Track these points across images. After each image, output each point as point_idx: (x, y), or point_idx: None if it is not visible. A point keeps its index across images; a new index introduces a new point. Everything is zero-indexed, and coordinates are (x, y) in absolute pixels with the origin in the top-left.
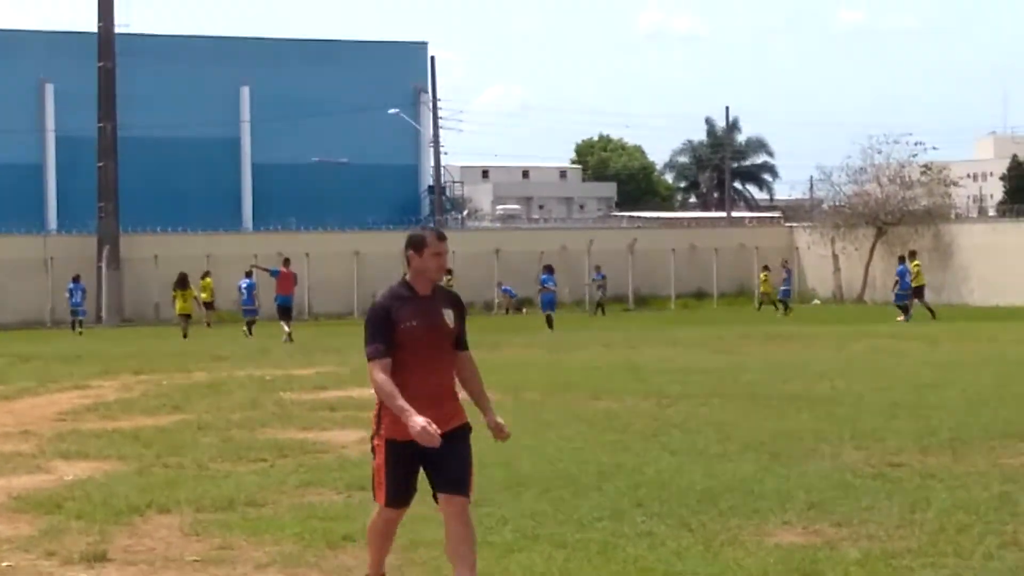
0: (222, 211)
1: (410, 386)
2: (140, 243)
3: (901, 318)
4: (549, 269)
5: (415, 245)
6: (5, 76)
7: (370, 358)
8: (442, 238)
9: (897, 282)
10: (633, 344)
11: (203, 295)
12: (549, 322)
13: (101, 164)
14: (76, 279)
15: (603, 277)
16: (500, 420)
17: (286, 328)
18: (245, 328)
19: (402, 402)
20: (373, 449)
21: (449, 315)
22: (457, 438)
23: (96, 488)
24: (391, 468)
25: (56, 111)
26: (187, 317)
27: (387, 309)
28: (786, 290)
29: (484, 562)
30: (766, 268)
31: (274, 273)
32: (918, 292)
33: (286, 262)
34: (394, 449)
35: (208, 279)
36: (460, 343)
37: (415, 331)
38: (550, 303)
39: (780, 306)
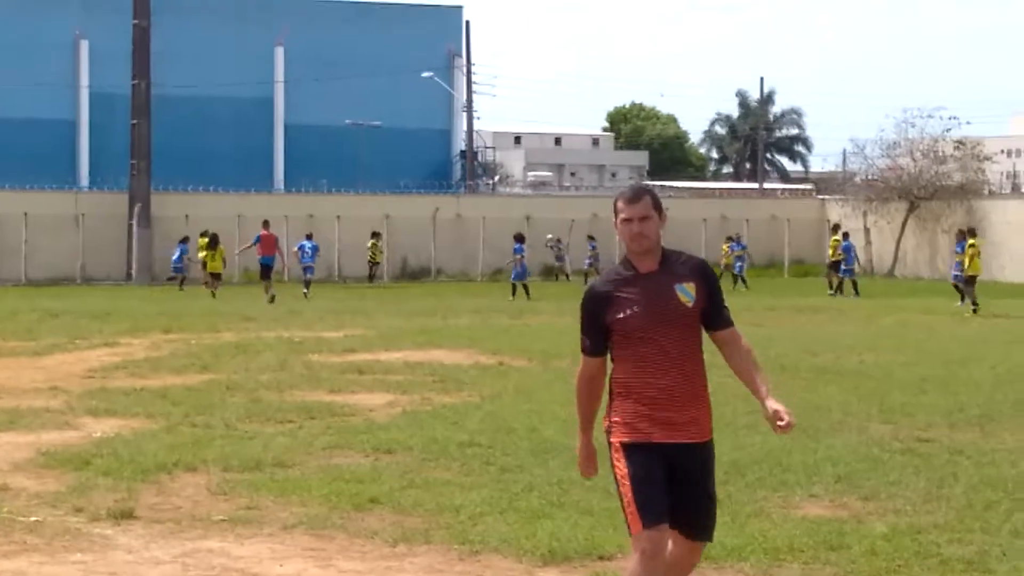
0: (254, 171)
1: (636, 387)
2: (171, 202)
3: (830, 292)
4: (520, 238)
5: (613, 210)
6: (41, 31)
7: (582, 352)
8: (635, 199)
9: (843, 258)
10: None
11: (200, 254)
12: (513, 290)
13: (134, 122)
14: (184, 240)
15: (594, 248)
16: (779, 407)
17: (270, 290)
18: (305, 289)
19: (582, 417)
20: (612, 464)
21: (685, 292)
22: (694, 458)
23: (124, 446)
24: (635, 476)
25: (91, 67)
26: (217, 277)
27: (598, 295)
28: (740, 265)
29: (510, 527)
30: (729, 239)
31: (256, 240)
32: (835, 266)
33: (266, 224)
34: (632, 453)
35: (204, 238)
36: (715, 320)
37: (636, 320)
38: (521, 273)
39: (738, 280)
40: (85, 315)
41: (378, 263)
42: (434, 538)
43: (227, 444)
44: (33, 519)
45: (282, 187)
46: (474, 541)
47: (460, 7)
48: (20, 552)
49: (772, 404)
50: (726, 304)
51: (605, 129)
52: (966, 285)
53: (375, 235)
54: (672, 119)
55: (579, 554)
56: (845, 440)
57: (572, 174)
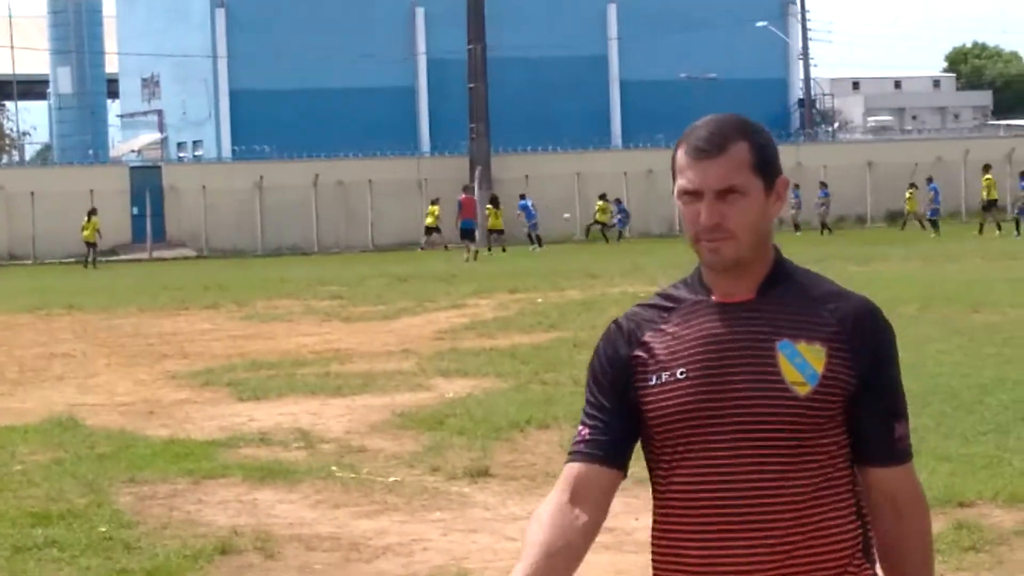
0: (591, 129)
1: (677, 551)
2: (511, 163)
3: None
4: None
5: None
6: (377, 2)
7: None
8: (705, 149)
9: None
10: (1015, 255)
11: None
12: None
13: (471, 86)
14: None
15: (826, 195)
16: None
17: (471, 248)
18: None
19: (519, 570)
20: None
21: (799, 362)
22: None
23: (476, 405)
24: None
25: (427, 34)
26: (499, 233)
27: (619, 332)
28: (935, 208)
29: None
30: (913, 186)
31: (459, 205)
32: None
33: (465, 189)
34: None
35: (95, 218)
36: (869, 443)
37: (681, 396)
38: None
39: (929, 225)
40: (431, 278)
41: (604, 223)
42: None
43: (577, 400)
44: (392, 479)
45: (620, 144)
46: None
47: None
48: (381, 512)
49: None
50: (903, 410)
51: (945, 70)
52: None
53: (602, 197)
54: (1016, 56)
55: (939, 501)
56: None
57: (913, 118)
